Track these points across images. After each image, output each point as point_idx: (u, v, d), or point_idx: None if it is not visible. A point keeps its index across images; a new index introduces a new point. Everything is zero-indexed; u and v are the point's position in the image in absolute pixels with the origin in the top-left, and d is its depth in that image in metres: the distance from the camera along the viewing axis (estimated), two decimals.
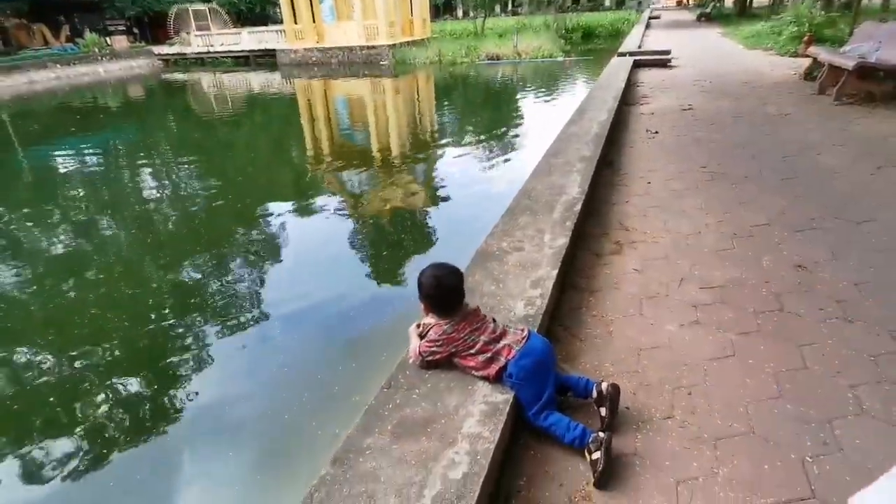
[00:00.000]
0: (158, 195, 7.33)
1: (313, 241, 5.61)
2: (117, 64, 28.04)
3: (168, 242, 5.55)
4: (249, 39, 28.72)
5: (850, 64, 6.63)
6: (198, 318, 4.18)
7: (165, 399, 3.41)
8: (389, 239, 5.60)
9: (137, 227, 6.07)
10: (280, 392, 3.38)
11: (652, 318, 2.62)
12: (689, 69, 11.06)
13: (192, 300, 4.47)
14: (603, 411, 1.93)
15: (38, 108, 18.14)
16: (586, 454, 1.78)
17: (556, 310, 2.69)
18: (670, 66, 11.49)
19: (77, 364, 3.71)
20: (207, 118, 14.36)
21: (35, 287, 4.85)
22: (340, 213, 6.19)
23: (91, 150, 10.54)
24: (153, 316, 4.23)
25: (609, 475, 1.74)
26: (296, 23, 26.14)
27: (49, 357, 3.81)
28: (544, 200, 3.64)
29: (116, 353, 3.83)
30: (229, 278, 4.77)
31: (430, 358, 2.02)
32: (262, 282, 4.75)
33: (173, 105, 17.96)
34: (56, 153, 10.27)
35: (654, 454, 1.84)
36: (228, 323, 4.11)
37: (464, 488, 1.51)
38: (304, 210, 6.37)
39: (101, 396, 3.40)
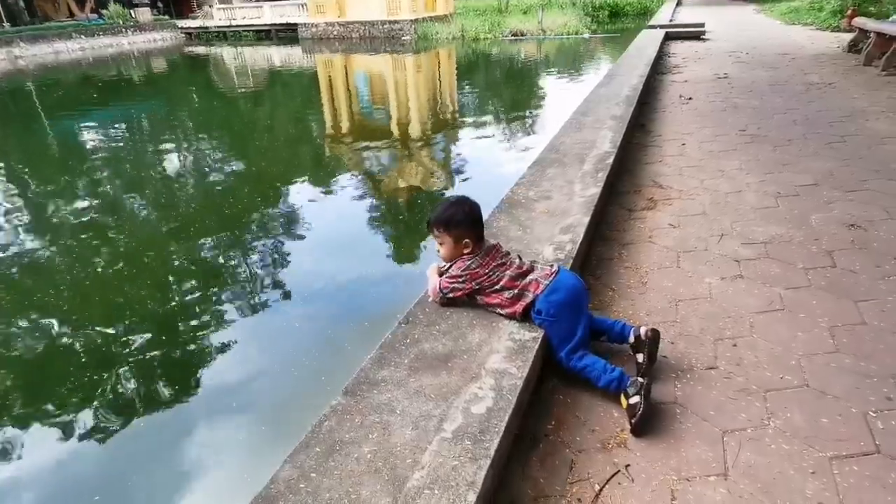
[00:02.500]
0: (179, 169, 7.25)
1: (333, 217, 5.47)
2: (141, 36, 28.11)
3: (188, 216, 5.45)
4: (271, 13, 28.50)
5: None
6: (219, 289, 4.08)
7: (187, 363, 3.34)
8: (409, 215, 5.43)
9: (158, 201, 5.98)
10: (297, 368, 3.27)
11: (690, 271, 2.43)
12: (724, 42, 10.57)
13: (214, 272, 4.36)
14: (640, 357, 1.76)
15: (63, 79, 18.26)
16: (623, 399, 1.62)
17: (586, 260, 2.52)
18: (703, 39, 11.00)
19: (97, 333, 3.64)
20: (229, 93, 14.24)
21: (60, 259, 4.79)
22: (361, 189, 6.01)
23: (114, 123, 10.50)
24: (174, 286, 4.14)
25: (647, 422, 1.58)
26: None
27: (72, 326, 3.75)
28: (574, 153, 3.44)
29: (137, 322, 3.74)
30: (251, 252, 4.66)
31: (451, 295, 1.86)
32: (282, 258, 4.62)
33: (195, 79, 17.90)
34: (81, 125, 10.26)
35: (696, 404, 1.67)
36: (248, 297, 4.01)
37: (487, 423, 1.36)
38: (325, 186, 6.21)
39: (126, 366, 3.31)
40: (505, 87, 13.29)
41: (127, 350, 3.44)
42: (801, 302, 2.16)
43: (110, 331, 3.65)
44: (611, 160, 3.27)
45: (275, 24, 28.10)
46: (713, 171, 3.67)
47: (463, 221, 1.84)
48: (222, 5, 30.52)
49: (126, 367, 3.29)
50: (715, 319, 2.07)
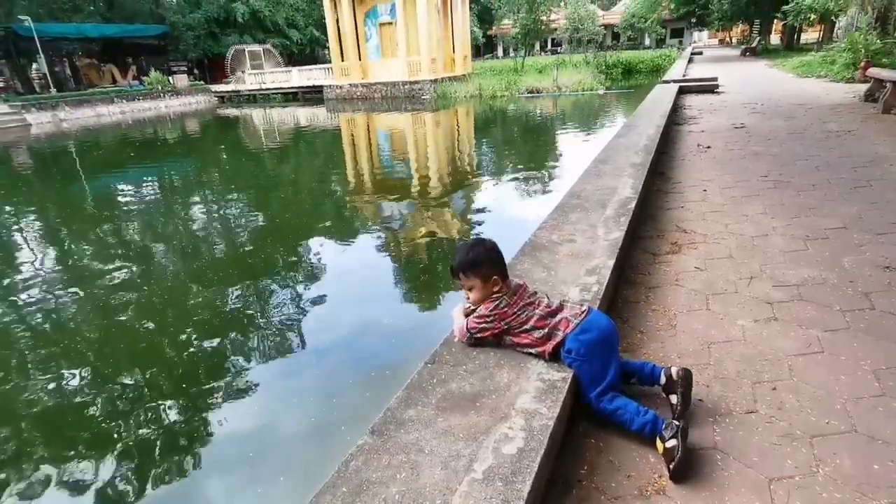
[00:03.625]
0: (206, 223, 7.47)
1: (356, 267, 5.47)
2: (178, 100, 29.89)
3: (213, 269, 5.56)
4: (299, 77, 30.17)
5: None
6: (242, 339, 4.07)
7: (208, 413, 3.31)
8: (430, 264, 5.44)
9: (185, 254, 6.14)
10: (317, 417, 3.23)
11: (721, 314, 2.37)
12: (738, 95, 10.76)
13: (237, 322, 4.33)
14: (674, 399, 1.70)
15: (102, 140, 19.35)
16: (658, 443, 1.55)
17: (612, 303, 2.48)
18: (717, 92, 11.22)
19: (120, 382, 3.65)
20: (255, 150, 14.85)
21: (88, 307, 4.90)
22: (382, 240, 6.06)
23: (148, 180, 11.04)
24: (197, 337, 4.16)
25: (686, 467, 1.50)
26: (342, 60, 27.31)
27: (95, 374, 3.79)
28: (595, 199, 3.46)
29: (161, 372, 3.76)
30: (275, 303, 4.67)
31: (479, 335, 1.84)
32: (303, 310, 4.59)
33: (225, 138, 18.77)
34: (117, 181, 10.79)
35: (738, 449, 1.59)
36: (269, 350, 3.97)
37: (519, 464, 1.32)
38: (347, 239, 6.29)
39: (145, 415, 3.30)
40: (522, 140, 13.62)
41: (149, 398, 3.44)
42: (840, 344, 2.08)
43: (132, 380, 3.67)
44: (633, 205, 3.28)
45: (302, 87, 29.66)
46: (737, 215, 3.65)
47: (487, 259, 1.84)
48: (254, 71, 32.48)
49: (146, 415, 3.28)
50: (751, 362, 2.00)
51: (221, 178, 10.97)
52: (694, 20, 41.49)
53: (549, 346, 1.73)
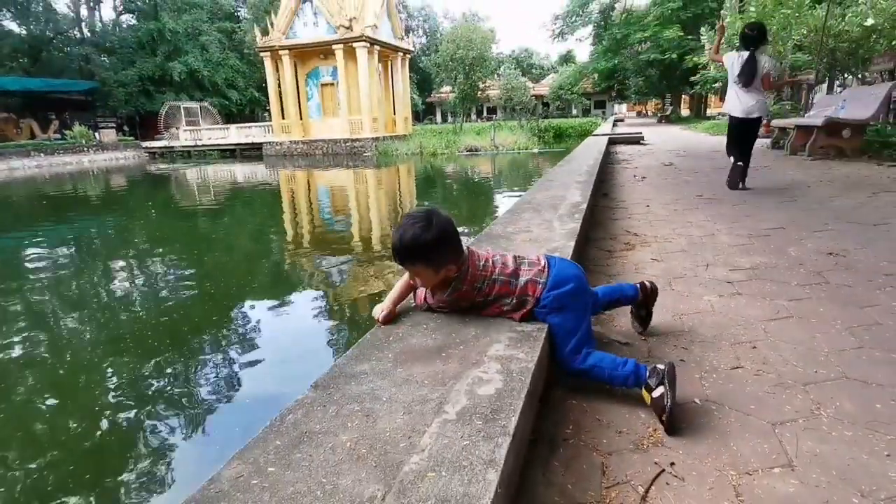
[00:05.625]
0: (125, 287, 6.38)
1: (288, 333, 4.68)
2: (103, 155, 28.43)
3: (132, 338, 4.57)
4: (237, 134, 29.76)
5: (818, 121, 6.96)
6: (158, 414, 3.33)
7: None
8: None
9: (100, 323, 5.12)
10: None
11: (686, 292, 2.28)
12: (662, 145, 11.59)
13: (155, 397, 3.53)
14: (643, 312, 1.88)
15: (11, 194, 17.75)
16: (645, 393, 1.36)
17: None
18: (643, 143, 12.04)
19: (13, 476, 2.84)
20: (184, 208, 13.83)
21: None
22: (318, 303, 5.37)
23: (59, 240, 9.74)
24: (108, 417, 3.35)
25: (680, 418, 1.31)
26: (283, 118, 27.34)
27: None
28: (547, 204, 3.41)
29: (64, 459, 2.98)
30: (197, 375, 3.87)
31: (438, 309, 1.61)
32: (238, 377, 3.88)
33: (152, 195, 17.60)
34: (24, 242, 9.50)
35: (732, 400, 1.43)
36: (198, 421, 3.28)
37: (499, 403, 1.08)
38: (280, 302, 5.43)
39: None
40: (464, 195, 13.77)
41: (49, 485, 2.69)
42: (808, 310, 2.02)
43: (23, 473, 2.86)
44: (584, 207, 3.25)
45: (240, 144, 29.21)
46: (682, 222, 3.71)
47: (433, 245, 1.44)
48: (189, 127, 31.77)
49: None
50: (725, 328, 1.89)
51: (145, 238, 10.03)
52: (614, 94, 45.68)
53: (518, 315, 1.52)
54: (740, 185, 4.95)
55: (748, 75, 4.65)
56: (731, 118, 4.97)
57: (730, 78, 4.90)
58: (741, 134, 4.95)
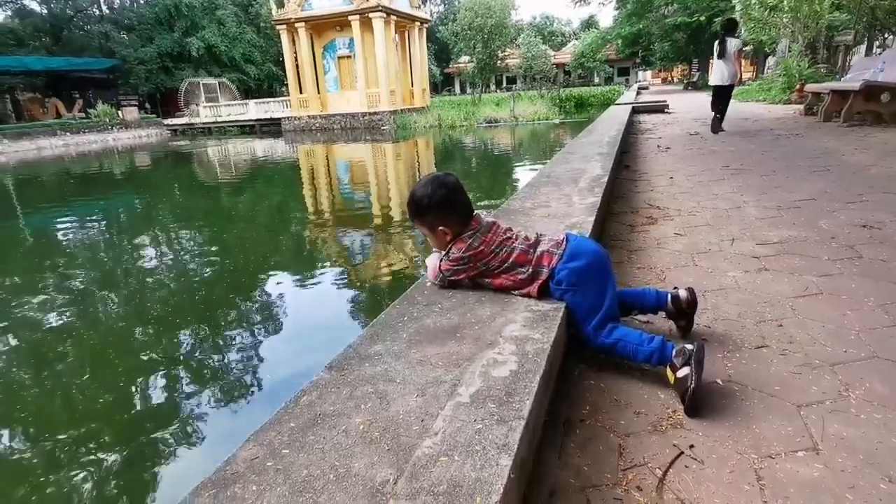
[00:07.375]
0: (153, 262, 6.58)
1: (312, 307, 4.76)
2: (127, 133, 28.84)
3: (160, 312, 4.71)
4: (256, 109, 29.79)
5: (856, 86, 6.61)
6: (188, 390, 3.42)
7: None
8: (390, 293, 4.88)
9: (129, 296, 5.26)
10: None
11: (710, 268, 2.22)
12: (687, 114, 11.20)
13: (185, 371, 3.57)
14: (682, 323, 1.59)
15: (41, 173, 18.20)
16: (668, 372, 1.33)
17: None
18: (668, 112, 11.66)
19: (60, 441, 2.97)
20: (207, 183, 14.12)
21: (27, 359, 4.11)
22: (340, 277, 5.40)
23: (88, 217, 10.03)
24: (141, 387, 3.46)
25: (701, 399, 1.28)
26: (301, 92, 27.22)
27: (31, 434, 3.08)
28: (567, 178, 3.33)
29: (102, 425, 2.99)
30: (224, 348, 3.97)
31: (453, 278, 1.60)
32: (258, 354, 3.92)
33: (175, 171, 17.92)
34: (55, 218, 9.79)
35: (755, 380, 1.39)
36: (218, 398, 3.34)
37: (514, 385, 1.07)
38: (304, 274, 5.54)
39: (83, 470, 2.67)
40: (484, 168, 13.61)
41: (88, 452, 2.81)
42: (838, 286, 1.95)
43: (66, 439, 2.99)
44: (605, 180, 3.16)
45: (259, 120, 29.27)
46: (707, 195, 3.59)
47: (430, 205, 1.55)
48: (208, 104, 31.92)
49: (84, 472, 2.68)
50: (750, 305, 1.84)
51: (170, 213, 10.22)
52: (638, 61, 44.12)
53: (535, 287, 1.50)
54: (720, 131, 7.02)
55: (720, 54, 6.84)
56: (713, 85, 7.17)
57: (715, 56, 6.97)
58: (717, 96, 7.17)
